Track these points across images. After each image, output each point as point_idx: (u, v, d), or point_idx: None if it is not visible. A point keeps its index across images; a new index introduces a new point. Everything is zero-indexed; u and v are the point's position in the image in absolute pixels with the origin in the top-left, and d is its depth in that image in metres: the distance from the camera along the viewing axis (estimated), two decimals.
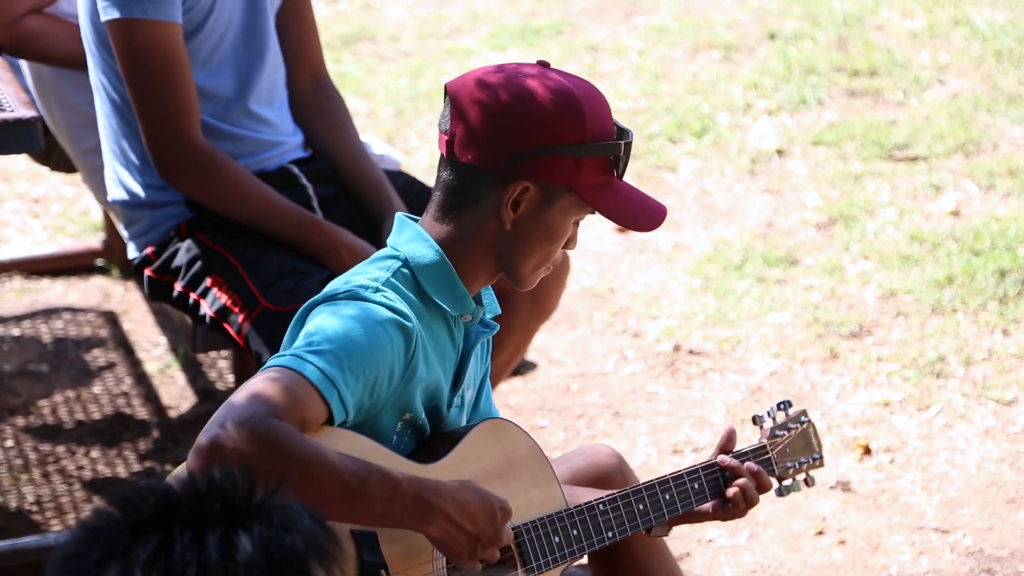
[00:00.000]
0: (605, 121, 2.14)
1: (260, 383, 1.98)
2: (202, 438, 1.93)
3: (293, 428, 1.95)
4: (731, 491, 2.37)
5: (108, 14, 2.82)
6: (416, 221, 2.20)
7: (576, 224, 2.19)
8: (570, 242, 2.20)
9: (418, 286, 2.15)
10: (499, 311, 2.29)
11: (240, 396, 1.96)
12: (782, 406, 2.52)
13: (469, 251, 2.16)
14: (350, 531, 2.07)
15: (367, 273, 2.14)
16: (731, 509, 2.38)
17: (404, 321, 2.08)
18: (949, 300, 4.02)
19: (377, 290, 2.10)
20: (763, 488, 2.39)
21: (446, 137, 2.15)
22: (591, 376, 3.83)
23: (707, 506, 2.39)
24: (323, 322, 2.06)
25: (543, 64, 2.18)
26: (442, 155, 2.18)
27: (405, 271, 2.15)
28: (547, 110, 2.10)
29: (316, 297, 2.13)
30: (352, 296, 2.09)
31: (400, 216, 2.20)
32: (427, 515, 2.02)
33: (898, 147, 4.84)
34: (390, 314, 2.07)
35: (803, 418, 2.53)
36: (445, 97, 2.17)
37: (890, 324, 3.96)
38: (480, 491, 2.08)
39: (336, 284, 2.14)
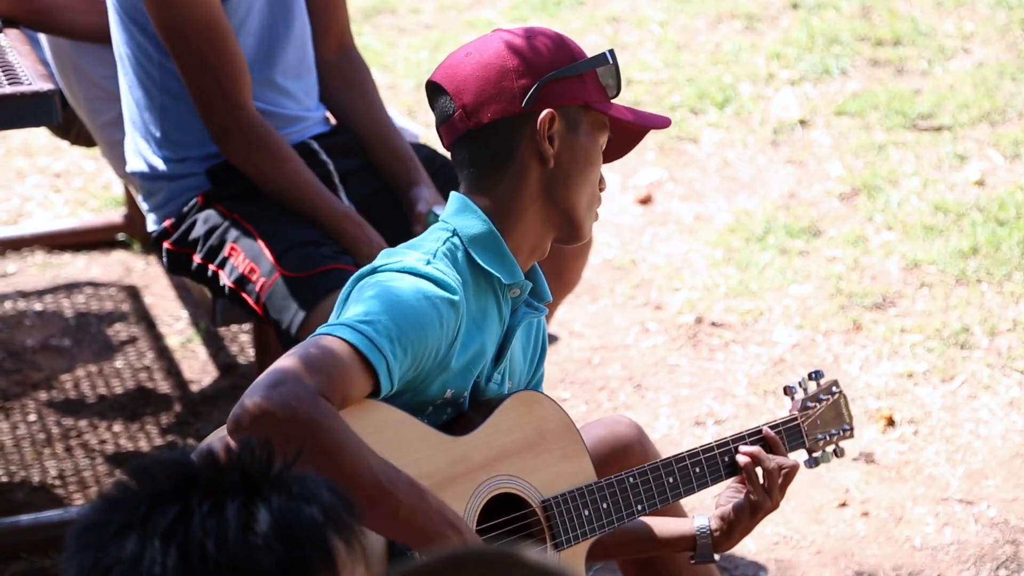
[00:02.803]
0: (579, 48, 2.23)
1: (306, 352, 1.97)
2: (241, 407, 1.93)
3: (335, 411, 1.95)
4: (740, 459, 2.33)
5: None
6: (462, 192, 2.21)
7: (601, 148, 2.23)
8: (601, 180, 2.24)
9: (468, 256, 2.15)
10: (550, 298, 2.29)
11: (285, 365, 1.95)
12: (813, 376, 2.50)
13: (516, 212, 2.17)
14: None
15: (420, 247, 2.15)
16: (752, 489, 2.32)
17: (453, 296, 2.08)
18: (973, 270, 3.99)
19: (428, 262, 2.10)
20: (782, 461, 2.36)
21: (457, 114, 2.16)
22: (613, 348, 3.82)
23: (735, 501, 2.34)
24: (375, 294, 2.05)
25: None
26: (455, 140, 2.18)
27: (456, 241, 2.16)
28: (535, 44, 2.17)
29: (367, 268, 2.12)
30: (404, 270, 2.08)
31: (453, 194, 2.21)
32: (446, 532, 2.01)
33: (922, 117, 4.80)
34: (441, 291, 2.07)
35: (835, 389, 2.51)
36: (435, 90, 2.19)
37: (914, 295, 3.94)
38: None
39: (387, 256, 2.13)
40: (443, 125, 2.19)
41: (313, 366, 1.95)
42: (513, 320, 2.22)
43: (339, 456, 1.93)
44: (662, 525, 2.37)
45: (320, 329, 2.03)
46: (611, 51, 2.22)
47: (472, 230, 2.16)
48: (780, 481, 2.33)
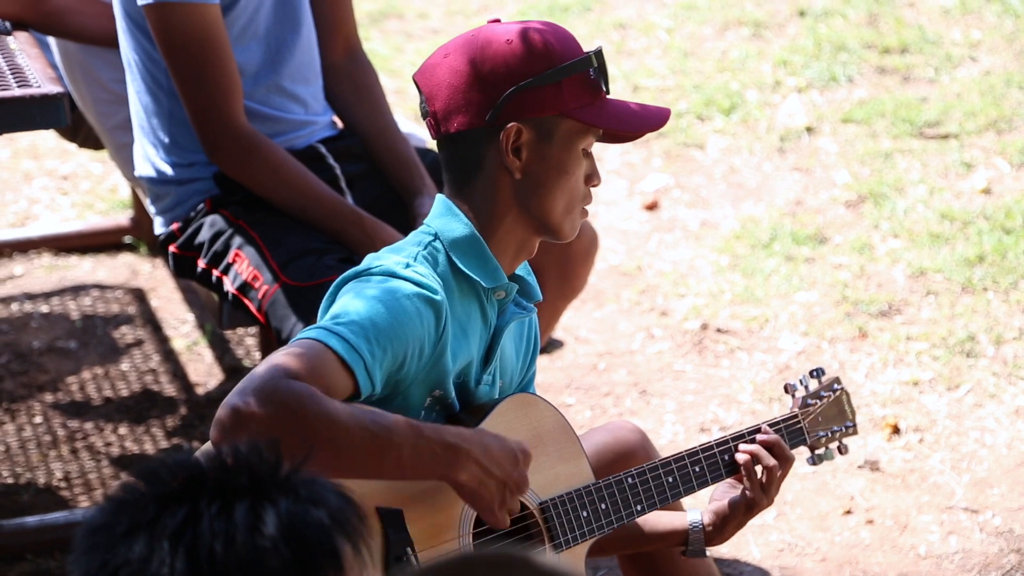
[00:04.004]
0: (571, 46, 2.16)
1: (283, 355, 1.98)
2: (222, 409, 1.93)
3: (312, 388, 1.94)
4: (740, 456, 2.32)
5: None
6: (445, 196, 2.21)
7: (588, 156, 2.18)
8: (592, 178, 2.19)
9: (450, 260, 2.15)
10: (540, 298, 2.28)
11: (261, 367, 1.96)
12: (815, 374, 2.50)
13: (494, 219, 2.16)
14: (376, 508, 2.07)
15: (401, 251, 2.15)
16: (750, 486, 2.32)
17: (433, 296, 2.07)
18: (980, 279, 3.99)
19: (408, 265, 2.10)
20: (783, 459, 2.34)
21: (429, 120, 2.17)
22: (618, 354, 3.82)
23: (730, 497, 2.34)
24: (352, 297, 2.06)
25: (494, 21, 2.19)
26: (435, 139, 2.19)
27: (437, 245, 2.15)
28: (509, 51, 2.12)
29: (348, 272, 2.13)
30: (383, 273, 2.08)
31: (439, 196, 2.21)
32: (456, 460, 2.01)
33: (929, 125, 4.80)
34: (419, 289, 2.07)
35: (836, 385, 2.51)
36: (417, 86, 2.19)
37: (920, 303, 3.93)
38: (497, 436, 2.07)
39: (369, 261, 2.14)
40: (424, 122, 2.20)
41: (288, 365, 1.96)
42: (500, 321, 2.22)
43: (328, 426, 1.93)
44: (655, 519, 2.37)
45: (299, 334, 2.03)
46: (596, 51, 2.16)
47: (454, 234, 2.15)
48: (778, 478, 2.33)
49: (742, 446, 2.34)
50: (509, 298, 2.22)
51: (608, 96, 2.18)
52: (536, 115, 2.12)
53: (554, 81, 2.12)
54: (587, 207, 2.21)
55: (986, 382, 3.63)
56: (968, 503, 3.26)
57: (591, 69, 2.14)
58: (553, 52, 2.13)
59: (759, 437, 2.36)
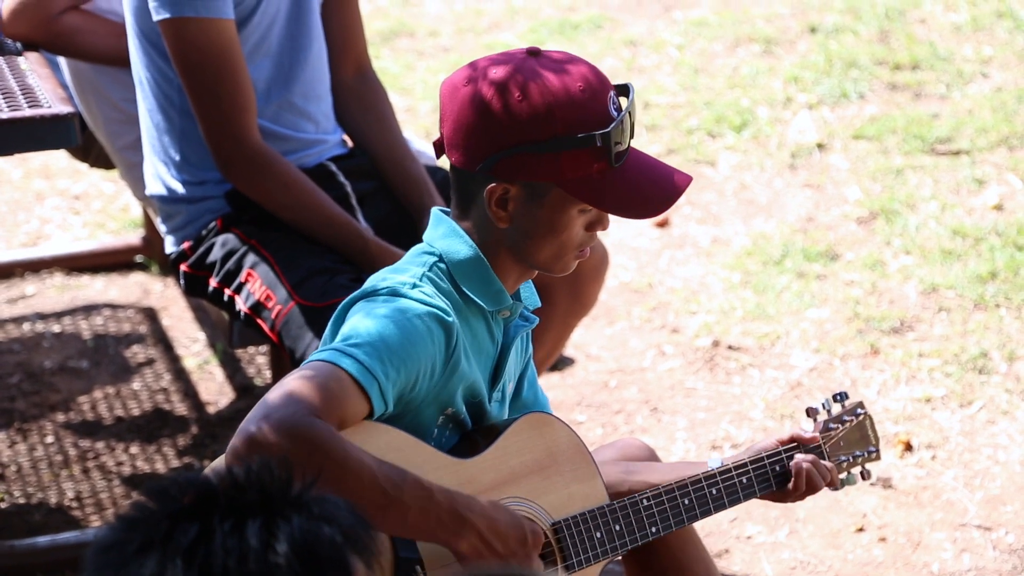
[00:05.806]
0: (588, 110, 2.06)
1: (298, 379, 1.97)
2: (239, 436, 1.92)
3: (332, 429, 1.94)
4: (797, 463, 2.35)
5: (159, 14, 2.81)
6: (450, 216, 2.20)
7: (584, 211, 2.11)
8: (596, 225, 2.13)
9: (454, 282, 2.14)
10: (539, 304, 2.28)
11: (277, 393, 1.95)
12: (838, 398, 2.49)
13: (490, 250, 2.15)
14: None
15: (405, 271, 2.14)
16: (789, 490, 2.35)
17: (444, 316, 2.07)
18: (992, 295, 3.99)
19: (415, 286, 2.09)
20: (822, 474, 2.37)
21: (439, 139, 2.16)
22: (629, 371, 3.81)
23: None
24: (362, 318, 2.05)
25: (532, 52, 2.11)
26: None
27: (441, 266, 2.14)
28: (514, 109, 2.05)
29: (355, 294, 2.12)
30: (391, 293, 2.08)
31: (436, 211, 2.19)
32: (460, 528, 2.00)
33: (940, 141, 4.80)
34: (430, 308, 2.06)
35: (859, 410, 2.50)
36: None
37: (932, 319, 3.93)
38: (513, 514, 2.06)
39: (374, 281, 2.13)
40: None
41: (306, 392, 1.95)
42: (506, 339, 2.22)
43: (340, 472, 1.93)
44: (678, 472, 2.35)
45: (312, 356, 2.02)
46: (603, 133, 2.04)
47: (458, 255, 2.13)
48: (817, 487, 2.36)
49: (799, 457, 2.36)
50: (514, 317, 2.21)
51: (618, 165, 2.08)
52: (527, 180, 2.08)
53: (552, 151, 2.05)
54: (589, 246, 2.16)
55: (999, 399, 3.62)
56: (981, 520, 3.24)
57: (591, 148, 2.05)
58: (556, 120, 2.05)
59: (798, 457, 2.38)
